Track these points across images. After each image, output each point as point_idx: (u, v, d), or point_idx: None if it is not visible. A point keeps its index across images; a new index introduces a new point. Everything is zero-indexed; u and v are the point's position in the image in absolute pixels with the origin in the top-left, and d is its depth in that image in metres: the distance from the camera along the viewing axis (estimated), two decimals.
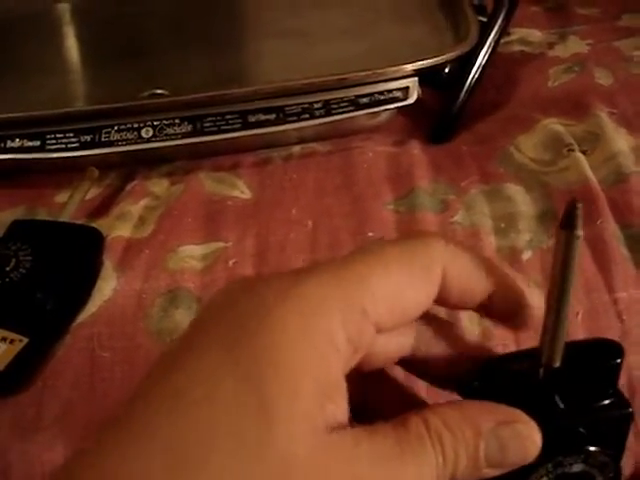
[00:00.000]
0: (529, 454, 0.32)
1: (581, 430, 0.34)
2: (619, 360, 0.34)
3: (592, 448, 0.34)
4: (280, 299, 0.30)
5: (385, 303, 0.31)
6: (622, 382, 0.51)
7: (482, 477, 0.31)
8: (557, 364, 0.33)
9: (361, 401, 0.32)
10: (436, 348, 0.36)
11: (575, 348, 0.34)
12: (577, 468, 0.34)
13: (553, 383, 0.33)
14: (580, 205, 0.31)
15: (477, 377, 0.35)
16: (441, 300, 0.34)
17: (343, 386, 0.30)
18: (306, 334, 0.29)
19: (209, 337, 0.30)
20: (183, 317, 0.55)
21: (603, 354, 0.34)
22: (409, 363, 0.36)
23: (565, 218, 0.32)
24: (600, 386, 0.34)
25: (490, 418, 0.31)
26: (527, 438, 0.32)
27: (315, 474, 0.28)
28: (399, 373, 0.38)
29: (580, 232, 0.31)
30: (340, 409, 0.30)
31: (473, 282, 0.34)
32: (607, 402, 0.34)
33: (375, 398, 0.36)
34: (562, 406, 0.33)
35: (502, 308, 0.35)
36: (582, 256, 0.57)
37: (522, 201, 0.62)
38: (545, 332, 0.33)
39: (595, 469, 0.34)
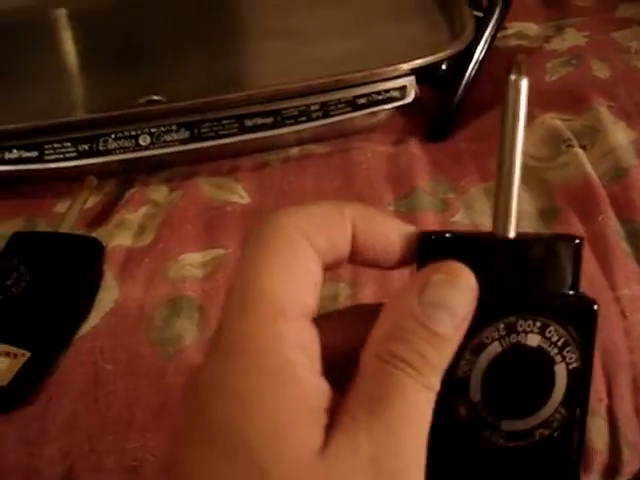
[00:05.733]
0: (461, 289, 0.31)
1: (535, 294, 0.33)
2: (578, 248, 0.33)
3: (549, 320, 0.32)
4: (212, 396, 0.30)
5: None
6: (626, 378, 0.52)
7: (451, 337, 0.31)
8: (511, 234, 0.32)
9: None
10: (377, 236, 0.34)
11: (537, 236, 0.34)
12: (533, 341, 0.32)
13: (508, 252, 0.33)
14: (524, 56, 0.32)
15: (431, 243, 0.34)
16: None
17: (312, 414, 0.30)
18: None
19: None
20: (185, 326, 0.55)
21: (562, 241, 0.33)
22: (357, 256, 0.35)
23: (512, 67, 0.32)
24: (560, 274, 0.33)
25: (409, 298, 0.31)
26: (453, 279, 0.31)
27: None
28: None
29: (526, 79, 0.32)
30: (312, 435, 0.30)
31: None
32: (568, 292, 0.33)
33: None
34: (516, 274, 0.32)
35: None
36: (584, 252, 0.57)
37: (522, 198, 0.62)
38: (498, 197, 0.33)
39: (555, 348, 0.33)
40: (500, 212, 0.32)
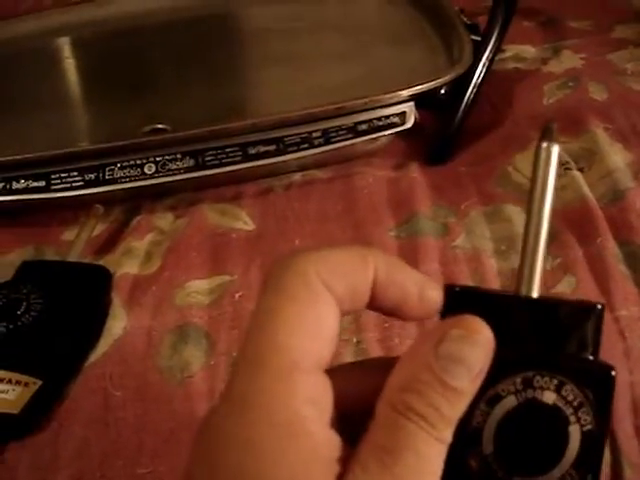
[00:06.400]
0: (478, 345, 0.31)
1: (555, 353, 0.33)
2: (600, 315, 0.33)
3: (566, 379, 0.32)
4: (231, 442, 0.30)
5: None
6: (626, 399, 0.53)
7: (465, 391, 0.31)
8: (535, 294, 0.33)
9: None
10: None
11: (560, 300, 0.34)
12: (549, 398, 0.32)
13: (530, 312, 0.33)
14: (556, 123, 0.33)
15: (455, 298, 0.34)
16: None
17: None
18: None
19: None
20: (192, 352, 0.56)
21: (585, 307, 0.34)
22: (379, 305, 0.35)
23: (544, 132, 0.33)
24: (580, 338, 0.33)
25: (425, 350, 0.31)
26: (470, 334, 0.31)
27: None
28: None
29: (558, 145, 0.33)
30: None
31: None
32: (587, 356, 0.33)
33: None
34: (537, 333, 0.33)
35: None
36: (582, 275, 0.58)
37: (521, 222, 0.63)
38: (523, 257, 0.33)
39: (570, 408, 0.32)
40: (525, 272, 0.33)
